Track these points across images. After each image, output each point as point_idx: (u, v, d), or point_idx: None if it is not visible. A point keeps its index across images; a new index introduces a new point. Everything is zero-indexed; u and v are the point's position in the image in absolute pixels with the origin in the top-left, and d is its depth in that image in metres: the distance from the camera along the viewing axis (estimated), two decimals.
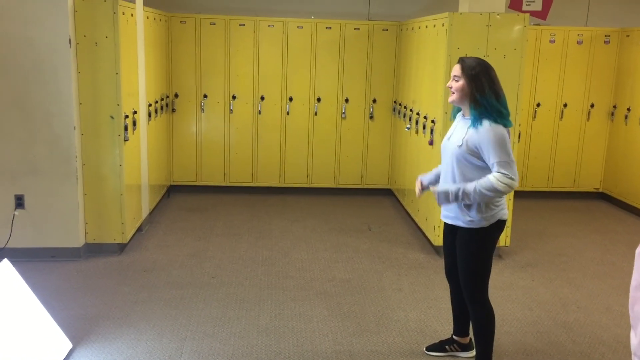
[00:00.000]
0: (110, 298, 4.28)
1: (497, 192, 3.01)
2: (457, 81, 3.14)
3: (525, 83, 6.87)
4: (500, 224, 3.22)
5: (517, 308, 4.34)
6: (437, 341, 3.69)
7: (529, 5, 7.44)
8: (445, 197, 3.12)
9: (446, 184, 3.17)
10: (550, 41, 7.14)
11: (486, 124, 3.04)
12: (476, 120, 3.08)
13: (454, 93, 3.17)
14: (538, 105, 7.25)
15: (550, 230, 6.26)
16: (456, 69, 3.16)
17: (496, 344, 3.76)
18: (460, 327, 3.60)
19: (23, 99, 4.70)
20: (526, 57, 5.46)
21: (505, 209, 3.24)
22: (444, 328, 3.94)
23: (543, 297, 4.56)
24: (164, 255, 5.18)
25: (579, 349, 3.78)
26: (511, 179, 3.00)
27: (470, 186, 3.05)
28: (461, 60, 3.17)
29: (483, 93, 3.05)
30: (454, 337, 3.63)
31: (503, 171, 3.00)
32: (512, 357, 3.65)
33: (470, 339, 3.61)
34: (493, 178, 3.01)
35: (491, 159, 3.03)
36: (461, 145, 3.10)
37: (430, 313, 4.18)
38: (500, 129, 3.05)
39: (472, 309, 3.31)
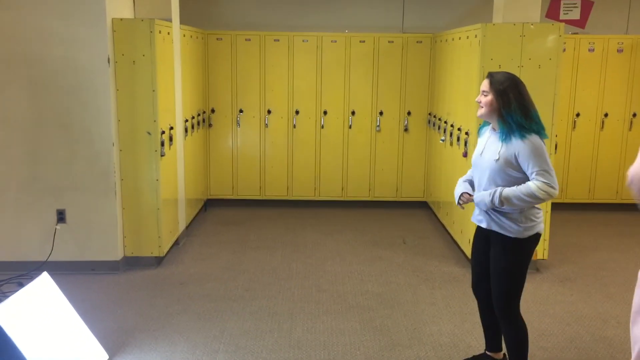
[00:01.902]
0: (146, 310, 4.37)
1: (536, 199, 3.00)
2: (485, 96, 3.13)
3: (563, 93, 6.75)
4: (537, 237, 3.19)
5: (555, 323, 4.24)
6: (470, 356, 3.63)
7: (567, 14, 7.32)
8: (482, 205, 3.14)
9: (483, 193, 3.17)
10: (589, 50, 7.00)
11: (521, 135, 3.03)
12: (505, 135, 3.06)
13: (482, 107, 3.15)
14: (577, 115, 7.10)
15: (590, 244, 6.10)
16: (485, 84, 3.15)
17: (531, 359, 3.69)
18: (492, 342, 3.54)
19: (64, 117, 4.87)
20: (563, 66, 5.37)
21: (542, 221, 3.19)
22: (478, 343, 3.87)
23: (582, 312, 4.44)
24: (199, 268, 5.26)
25: None
26: (551, 187, 2.99)
27: (510, 190, 3.05)
28: (490, 75, 3.16)
29: (509, 109, 3.04)
30: (487, 352, 3.57)
31: (542, 179, 2.99)
32: None
33: (504, 354, 3.54)
34: (533, 185, 3.00)
35: (530, 168, 3.02)
36: (498, 159, 3.09)
37: (464, 327, 4.12)
38: (537, 139, 3.04)
39: (504, 324, 3.26)
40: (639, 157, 1.22)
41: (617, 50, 7.00)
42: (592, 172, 7.23)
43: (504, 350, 3.51)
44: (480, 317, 3.52)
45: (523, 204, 3.04)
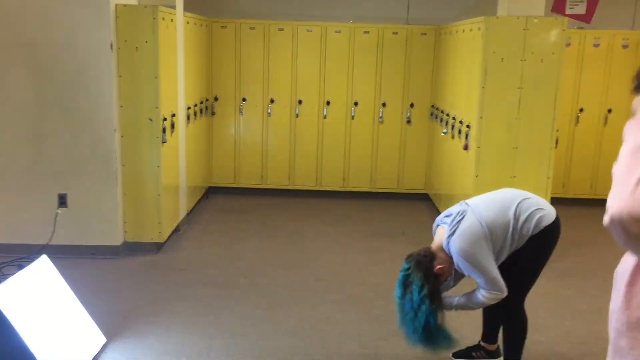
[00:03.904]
0: (144, 295, 4.40)
1: (484, 305, 3.16)
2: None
3: (567, 88, 6.72)
4: (549, 232, 3.12)
5: (551, 317, 4.25)
6: (464, 347, 3.66)
7: (573, 8, 7.27)
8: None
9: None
10: (594, 45, 6.96)
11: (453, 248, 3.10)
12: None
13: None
14: (581, 110, 7.08)
15: (591, 239, 6.11)
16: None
17: (527, 353, 3.70)
18: (489, 334, 3.56)
19: (67, 102, 4.89)
20: (567, 61, 5.35)
21: (548, 213, 3.14)
22: (472, 334, 3.89)
23: (579, 307, 4.45)
24: (199, 255, 5.29)
25: None
26: (498, 293, 3.07)
27: (462, 301, 3.22)
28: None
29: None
30: (481, 343, 3.59)
31: (488, 289, 3.07)
32: None
33: (498, 346, 3.56)
34: (481, 296, 3.11)
35: (477, 280, 3.10)
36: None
37: (460, 319, 4.12)
38: (463, 250, 3.06)
39: (508, 316, 3.28)
40: (619, 191, 1.20)
41: (623, 46, 6.96)
42: (595, 167, 7.22)
43: (499, 342, 3.53)
44: (484, 308, 3.52)
45: (476, 308, 3.21)
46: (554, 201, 5.35)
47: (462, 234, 3.03)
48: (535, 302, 4.46)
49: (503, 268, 3.15)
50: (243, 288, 4.59)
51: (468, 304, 3.18)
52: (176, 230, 5.80)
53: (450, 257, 3.12)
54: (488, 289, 3.05)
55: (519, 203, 3.10)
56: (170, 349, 3.64)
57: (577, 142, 7.16)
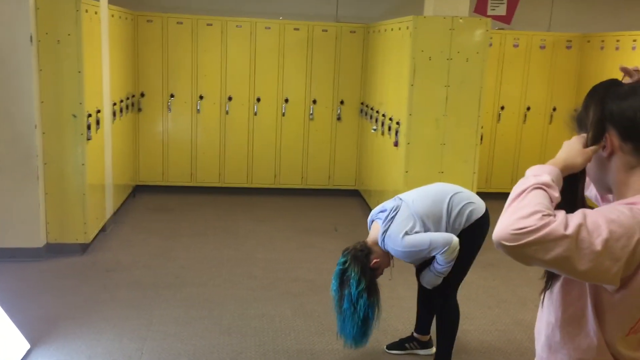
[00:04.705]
0: (70, 298, 4.23)
1: (449, 264, 3.15)
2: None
3: (489, 87, 6.98)
4: (480, 224, 3.23)
5: (478, 307, 4.42)
6: (397, 339, 3.74)
7: (494, 10, 7.57)
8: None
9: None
10: (514, 45, 7.27)
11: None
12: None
13: None
14: (502, 108, 7.38)
15: None
16: None
17: (456, 342, 3.83)
18: (422, 326, 3.66)
19: None
20: (489, 60, 5.56)
21: (478, 207, 3.25)
22: (405, 327, 3.98)
23: (503, 296, 4.65)
24: (128, 255, 5.14)
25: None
26: (448, 245, 3.09)
27: (432, 271, 3.22)
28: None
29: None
30: (414, 334, 3.68)
31: (438, 251, 3.12)
32: (471, 355, 3.72)
33: (430, 337, 3.66)
34: (440, 261, 3.14)
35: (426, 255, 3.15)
36: None
37: (392, 312, 4.22)
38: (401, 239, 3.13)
39: (442, 307, 3.36)
40: (507, 213, 1.30)
41: (540, 47, 7.31)
42: (515, 163, 7.54)
43: (431, 333, 3.63)
44: (418, 300, 3.60)
45: (446, 270, 3.18)
46: (479, 196, 5.56)
47: (397, 229, 3.10)
48: (462, 293, 4.61)
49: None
50: (174, 288, 4.50)
51: (440, 271, 3.16)
52: (102, 230, 5.60)
53: (386, 252, 3.18)
54: (438, 252, 3.08)
55: (451, 197, 3.20)
56: (99, 353, 3.52)
57: (499, 139, 7.45)
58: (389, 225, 3.13)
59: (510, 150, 7.50)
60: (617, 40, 6.70)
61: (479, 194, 5.55)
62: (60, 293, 4.31)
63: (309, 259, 5.26)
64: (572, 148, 1.43)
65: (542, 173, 1.34)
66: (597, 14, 8.06)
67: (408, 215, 3.12)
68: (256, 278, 4.77)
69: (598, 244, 1.21)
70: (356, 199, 7.30)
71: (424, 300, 3.57)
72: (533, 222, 1.22)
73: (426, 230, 3.12)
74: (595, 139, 1.41)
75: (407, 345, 3.67)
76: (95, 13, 5.18)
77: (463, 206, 3.19)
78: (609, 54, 6.84)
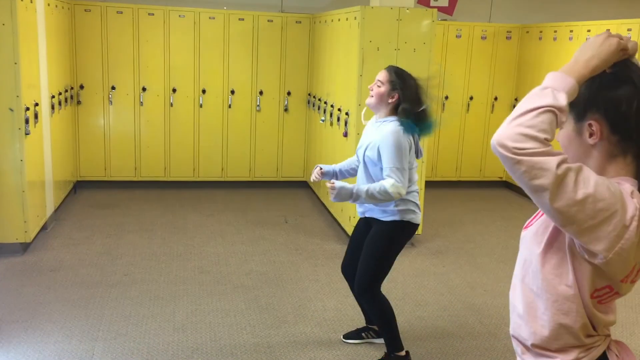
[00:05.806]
0: (13, 300, 4.05)
1: (388, 196, 3.09)
2: (379, 86, 3.20)
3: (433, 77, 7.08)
4: (411, 227, 3.29)
5: (430, 293, 4.49)
6: (353, 329, 3.76)
7: (437, 1, 7.68)
8: (343, 194, 3.11)
9: (344, 182, 3.20)
10: (456, 36, 7.41)
11: (391, 126, 3.13)
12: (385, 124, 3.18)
13: (372, 97, 3.23)
14: (446, 98, 7.52)
15: (459, 218, 6.52)
16: (382, 75, 3.23)
17: (410, 329, 3.89)
18: (370, 317, 3.68)
19: None
20: (434, 51, 5.63)
21: (419, 215, 3.32)
22: (361, 316, 4.00)
23: (453, 282, 4.74)
24: (72, 254, 4.96)
25: (487, 329, 3.97)
26: (401, 186, 3.10)
27: (364, 187, 3.11)
28: (389, 68, 3.25)
29: (404, 102, 3.16)
30: (368, 325, 3.71)
31: (394, 177, 3.09)
32: (425, 341, 3.78)
33: None
34: (387, 183, 3.09)
35: (385, 163, 3.11)
36: (368, 150, 3.20)
37: (347, 302, 4.25)
38: (401, 136, 3.12)
39: (365, 300, 3.37)
40: (504, 122, 1.34)
41: (481, 37, 7.47)
42: (459, 152, 7.71)
43: None
44: (354, 294, 3.60)
45: (376, 201, 3.14)
46: (425, 184, 5.66)
47: (395, 127, 3.14)
48: (414, 281, 4.70)
49: (357, 258, 3.35)
50: (123, 286, 4.37)
51: (375, 194, 3.10)
52: (44, 228, 5.38)
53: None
54: (395, 177, 3.08)
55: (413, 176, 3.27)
56: (47, 356, 3.38)
57: (443, 128, 7.58)
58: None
59: (454, 140, 7.65)
60: (555, 31, 6.93)
61: (426, 182, 5.68)
62: (2, 295, 4.11)
63: (261, 251, 5.22)
64: (602, 50, 1.39)
65: (561, 89, 1.34)
66: (536, 5, 8.30)
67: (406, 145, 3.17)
68: (208, 273, 4.69)
69: (580, 194, 1.29)
70: (305, 191, 7.29)
71: (358, 298, 3.58)
72: (533, 145, 1.28)
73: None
74: (580, 117, 1.46)
75: (363, 334, 3.70)
76: (31, 2, 4.94)
77: (412, 195, 3.26)
78: (547, 44, 7.07)
